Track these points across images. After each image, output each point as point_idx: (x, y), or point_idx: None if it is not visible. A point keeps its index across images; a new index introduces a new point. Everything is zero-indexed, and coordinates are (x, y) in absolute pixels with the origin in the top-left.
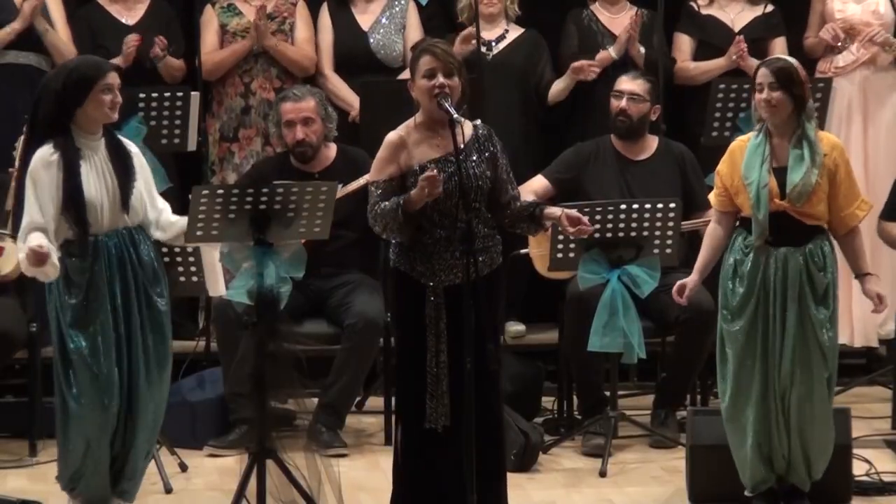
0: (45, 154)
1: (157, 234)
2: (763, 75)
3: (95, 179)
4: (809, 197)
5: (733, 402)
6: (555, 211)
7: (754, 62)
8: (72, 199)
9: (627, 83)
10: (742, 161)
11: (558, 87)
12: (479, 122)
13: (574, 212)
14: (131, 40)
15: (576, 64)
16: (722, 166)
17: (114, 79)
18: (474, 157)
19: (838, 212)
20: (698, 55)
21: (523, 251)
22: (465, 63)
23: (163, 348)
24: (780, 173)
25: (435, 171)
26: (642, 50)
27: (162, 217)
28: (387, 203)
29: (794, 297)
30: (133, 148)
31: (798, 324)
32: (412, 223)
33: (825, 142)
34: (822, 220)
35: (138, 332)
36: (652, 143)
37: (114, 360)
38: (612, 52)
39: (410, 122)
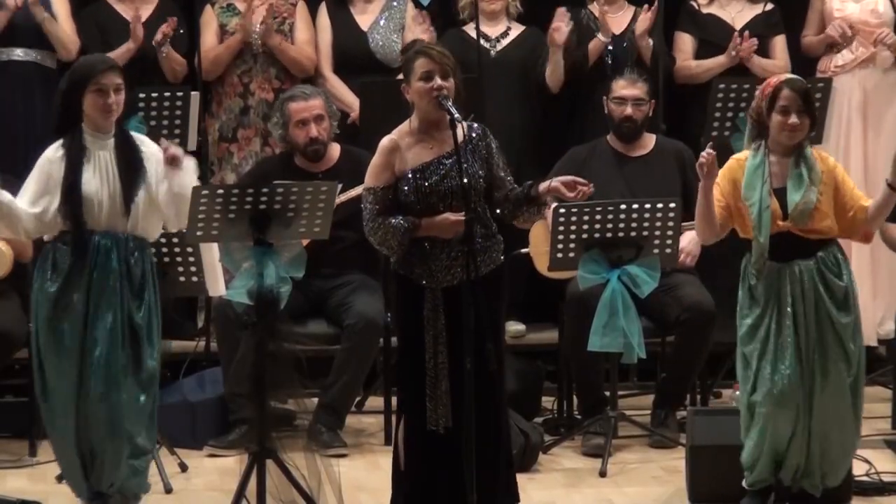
0: (51, 151)
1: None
2: (791, 99)
3: (98, 177)
4: (811, 215)
5: (755, 409)
6: (549, 183)
7: (759, 60)
8: (68, 196)
9: (628, 89)
10: (742, 181)
11: (548, 72)
12: (473, 122)
13: (568, 177)
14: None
15: (549, 34)
16: (722, 181)
17: (109, 79)
18: (469, 158)
19: (847, 213)
20: (700, 54)
21: (523, 251)
22: (464, 62)
23: (134, 355)
24: (781, 193)
25: (462, 216)
26: (651, 42)
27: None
28: (392, 220)
29: (812, 305)
30: (149, 148)
31: (818, 332)
32: (412, 243)
33: (819, 158)
34: (830, 234)
35: (105, 334)
36: (649, 139)
37: (75, 358)
38: (600, 37)
39: (404, 125)
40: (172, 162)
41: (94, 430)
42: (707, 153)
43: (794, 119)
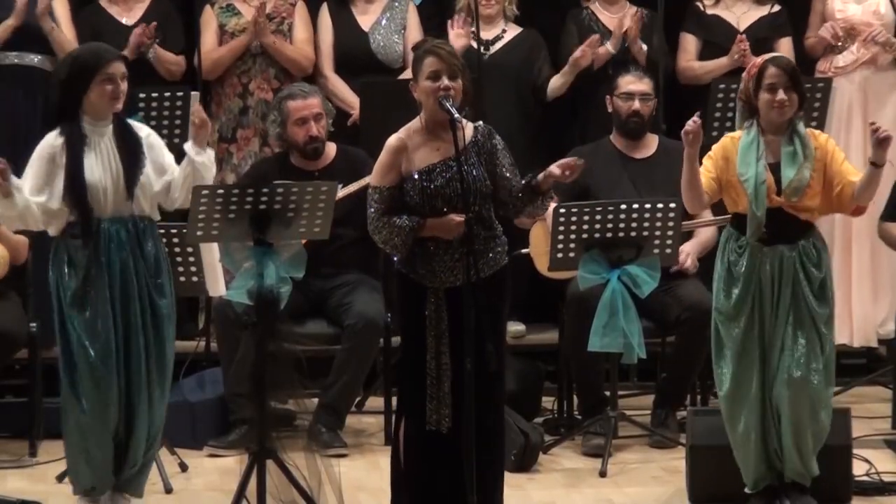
0: (51, 139)
1: (169, 203)
2: (777, 75)
3: (100, 164)
4: (805, 191)
5: (733, 400)
6: (547, 171)
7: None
8: (72, 184)
9: (636, 84)
10: (735, 157)
11: (557, 83)
12: (479, 123)
13: (563, 160)
14: (136, 32)
15: (575, 55)
16: (716, 156)
17: (116, 68)
18: (473, 160)
19: (833, 188)
20: (704, 55)
21: (524, 251)
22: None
23: (159, 342)
24: (774, 169)
25: (462, 217)
26: (644, 47)
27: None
28: (397, 220)
29: (790, 291)
30: (144, 131)
31: (795, 316)
32: (416, 243)
33: (812, 135)
34: (815, 215)
35: (138, 322)
36: (652, 141)
37: (112, 347)
38: (609, 47)
39: (412, 124)
40: (201, 126)
41: (125, 418)
42: (693, 121)
43: (781, 95)
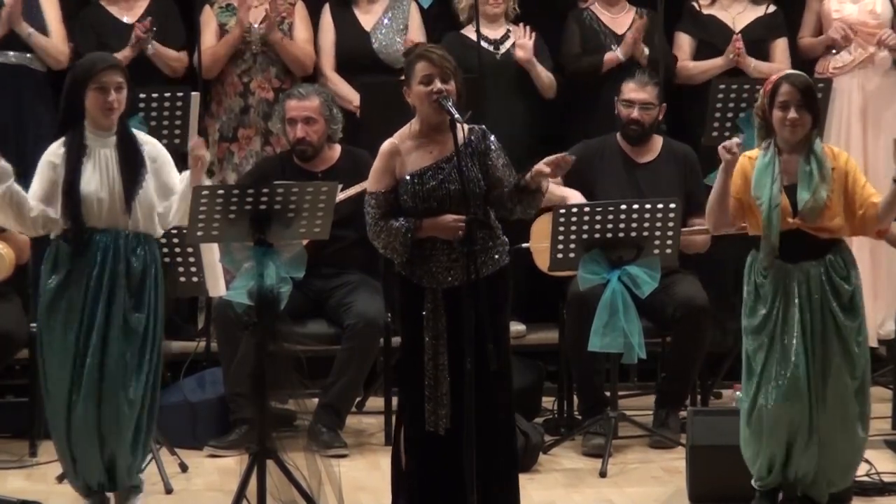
0: (54, 148)
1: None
2: (790, 93)
3: (98, 176)
4: (821, 213)
5: (759, 419)
6: (535, 168)
7: (752, 61)
8: (67, 194)
9: (637, 92)
10: (752, 179)
11: (537, 84)
12: (473, 125)
13: (550, 157)
14: (138, 28)
15: (518, 56)
16: (734, 177)
17: (110, 78)
18: (467, 161)
19: (857, 210)
20: (698, 55)
21: (524, 245)
22: (465, 65)
23: (131, 357)
24: (791, 191)
25: (462, 219)
26: (646, 51)
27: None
28: (394, 223)
29: (818, 308)
30: (149, 146)
31: (822, 335)
32: (413, 245)
33: (831, 154)
34: (839, 233)
35: (112, 331)
36: (656, 143)
37: (72, 353)
38: (619, 54)
39: (406, 128)
40: (198, 161)
41: (78, 429)
42: (737, 143)
43: (793, 114)
